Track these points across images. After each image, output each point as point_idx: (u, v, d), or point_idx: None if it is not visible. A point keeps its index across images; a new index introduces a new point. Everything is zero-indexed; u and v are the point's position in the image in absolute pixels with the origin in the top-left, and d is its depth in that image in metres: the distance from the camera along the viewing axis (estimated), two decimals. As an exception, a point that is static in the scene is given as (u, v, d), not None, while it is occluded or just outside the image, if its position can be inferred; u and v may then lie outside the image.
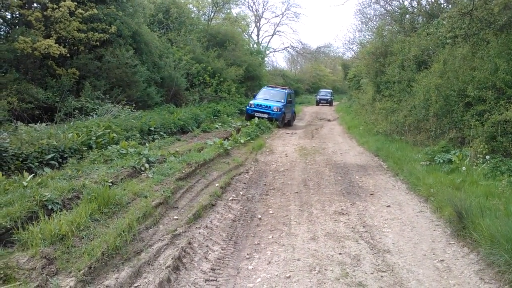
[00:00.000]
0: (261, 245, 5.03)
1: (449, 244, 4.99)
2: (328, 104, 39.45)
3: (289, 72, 56.82)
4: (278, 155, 11.33)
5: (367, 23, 23.37)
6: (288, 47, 55.54)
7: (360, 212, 6.27)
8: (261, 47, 45.60)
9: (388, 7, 20.49)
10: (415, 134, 11.27)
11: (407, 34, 16.03)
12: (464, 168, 7.57)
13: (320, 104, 39.83)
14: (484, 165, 7.39)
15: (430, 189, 6.74)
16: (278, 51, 63.04)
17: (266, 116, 17.71)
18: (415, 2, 18.97)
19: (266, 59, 45.22)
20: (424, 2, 18.34)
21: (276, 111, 18.13)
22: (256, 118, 17.42)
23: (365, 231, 5.43)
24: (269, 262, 4.51)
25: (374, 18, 22.23)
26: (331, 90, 44.72)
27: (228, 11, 37.77)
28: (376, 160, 10.56)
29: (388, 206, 6.55)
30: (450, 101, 9.65)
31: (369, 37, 22.74)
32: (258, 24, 52.50)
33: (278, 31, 54.14)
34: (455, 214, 5.27)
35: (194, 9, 32.32)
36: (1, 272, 3.39)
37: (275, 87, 21.20)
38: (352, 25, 49.85)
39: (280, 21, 53.18)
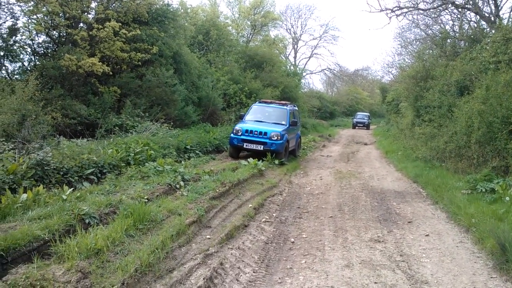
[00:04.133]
0: (293, 269, 4.93)
1: (491, 277, 4.72)
2: (365, 128, 38.91)
3: (326, 94, 56.64)
4: (313, 178, 11.20)
5: (406, 47, 23.12)
6: (325, 69, 55.45)
7: (397, 240, 6.05)
8: (298, 69, 45.81)
9: (429, 31, 20.20)
10: (456, 161, 10.87)
11: (449, 58, 15.70)
12: (507, 198, 7.19)
13: (356, 127, 39.37)
14: (530, 196, 7.01)
15: (471, 219, 6.44)
16: (315, 73, 63.07)
17: (261, 148, 12.11)
18: (456, 27, 18.64)
19: (302, 81, 45.33)
20: (466, 27, 17.99)
21: (276, 140, 12.19)
22: (245, 152, 12.85)
23: (402, 260, 5.22)
24: (301, 288, 4.40)
25: (414, 42, 21.95)
26: (368, 113, 44.18)
27: (266, 33, 38.35)
28: (415, 186, 10.24)
29: (427, 235, 6.29)
30: (493, 128, 9.29)
31: (409, 61, 22.44)
32: (295, 46, 52.94)
33: (315, 54, 54.17)
34: (497, 246, 5.00)
35: (233, 31, 33.01)
36: (38, 283, 3.46)
37: (271, 103, 14.82)
38: (391, 49, 49.37)
39: (317, 44, 53.09)
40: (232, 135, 12.53)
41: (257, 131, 12.27)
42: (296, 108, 16.00)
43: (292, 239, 6.07)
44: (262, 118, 13.56)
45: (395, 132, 22.06)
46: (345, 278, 4.61)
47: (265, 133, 12.25)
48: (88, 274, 3.75)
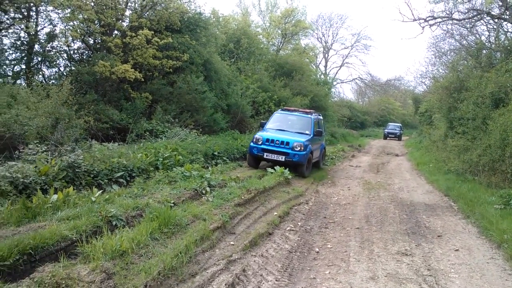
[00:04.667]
0: (317, 279, 4.85)
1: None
2: (397, 139, 38.14)
3: (356, 104, 56.00)
4: (340, 188, 11.05)
5: (440, 57, 22.58)
6: (356, 78, 54.93)
7: (425, 254, 5.87)
8: (328, 78, 45.58)
9: (464, 42, 19.69)
10: (489, 175, 10.49)
11: (484, 69, 15.23)
12: (543, 215, 6.89)
13: (388, 138, 38.66)
14: None
15: (503, 235, 6.19)
16: (345, 82, 62.55)
17: (282, 159, 11.24)
18: (492, 37, 18.10)
19: (332, 90, 45.04)
20: (502, 38, 17.44)
21: (299, 151, 11.27)
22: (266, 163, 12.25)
23: (430, 275, 5.05)
24: (324, 299, 4.32)
25: (449, 52, 21.43)
26: (400, 124, 43.30)
27: (297, 42, 38.33)
28: (446, 200, 9.93)
29: (456, 250, 6.08)
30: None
31: (443, 71, 21.91)
32: (326, 55, 52.75)
33: (346, 63, 53.79)
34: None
35: (264, 40, 33.18)
36: (63, 282, 3.53)
37: (295, 111, 13.93)
38: (424, 59, 48.34)
39: (349, 53, 52.73)
40: (251, 144, 11.76)
41: (278, 141, 11.44)
42: (321, 117, 14.81)
43: (317, 249, 5.99)
44: (285, 126, 12.72)
45: (427, 143, 21.54)
46: (369, 291, 4.50)
47: (287, 143, 11.36)
48: (112, 275, 3.81)
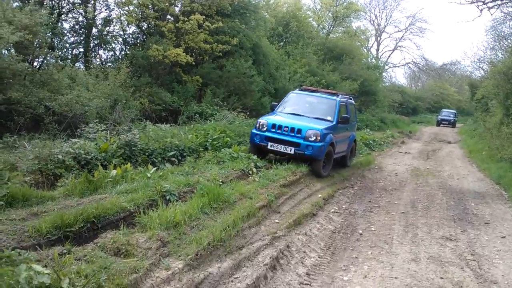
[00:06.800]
0: (358, 259, 5.00)
1: None
2: (451, 126, 36.66)
3: (409, 89, 54.14)
4: (387, 173, 10.97)
5: (500, 41, 21.36)
6: (409, 62, 52.89)
7: (470, 240, 5.84)
8: (379, 62, 44.32)
9: (527, 24, 18.54)
10: (545, 164, 10.04)
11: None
12: None
13: (441, 125, 37.26)
14: None
15: (555, 226, 6.01)
16: (398, 66, 60.30)
17: (291, 151, 8.59)
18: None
19: (384, 74, 43.81)
20: None
21: (314, 141, 8.51)
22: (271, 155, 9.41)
23: (473, 260, 5.06)
24: (365, 276, 4.47)
25: (509, 35, 20.24)
26: (454, 111, 41.47)
27: (348, 24, 37.48)
28: (497, 188, 9.64)
29: (503, 237, 5.99)
30: None
31: (502, 56, 20.76)
32: (378, 38, 51.10)
33: (399, 46, 51.80)
34: None
35: (314, 22, 32.74)
36: (123, 247, 3.90)
37: (316, 91, 10.82)
38: (483, 43, 45.68)
39: (402, 36, 50.65)
40: (254, 130, 9.15)
41: (288, 127, 8.71)
42: (352, 100, 11.57)
43: (360, 231, 6.10)
44: (301, 110, 9.85)
45: (482, 131, 20.65)
46: (410, 271, 4.60)
47: (299, 131, 8.61)
48: (166, 243, 4.14)
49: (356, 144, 11.97)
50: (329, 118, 9.48)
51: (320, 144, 8.52)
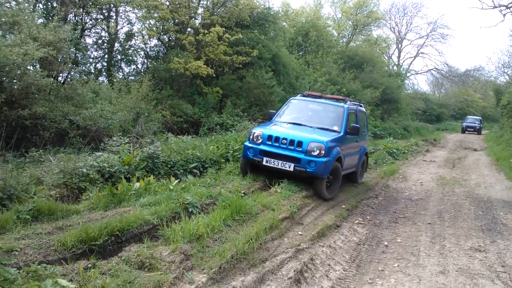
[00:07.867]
0: (385, 272, 4.87)
1: None
2: (476, 133, 35.89)
3: (432, 96, 53.28)
4: (412, 183, 10.75)
5: (526, 45, 20.78)
6: (432, 69, 52.07)
7: (500, 251, 5.63)
8: (401, 69, 43.80)
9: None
10: None
11: None
12: None
13: (466, 132, 36.52)
14: None
15: None
16: (420, 73, 59.31)
17: (290, 168, 7.25)
18: None
19: (406, 81, 43.22)
20: None
21: (318, 156, 7.21)
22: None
23: (504, 271, 4.87)
24: (392, 290, 4.34)
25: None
26: (480, 118, 40.59)
27: (369, 32, 37.27)
28: (528, 197, 9.32)
29: (536, 249, 5.76)
30: None
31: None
32: (399, 45, 50.56)
33: (421, 53, 51.08)
34: None
35: (334, 31, 32.66)
36: (147, 261, 3.90)
37: (321, 97, 9.37)
38: (507, 47, 44.60)
39: (424, 43, 49.93)
40: (247, 143, 7.83)
41: (286, 139, 7.42)
42: (363, 108, 10.11)
43: (386, 243, 5.96)
44: (303, 119, 8.55)
45: (509, 137, 20.08)
46: (438, 284, 4.45)
47: (299, 143, 7.35)
48: (190, 256, 4.12)
49: (367, 157, 10.69)
50: (335, 128, 8.21)
51: (324, 159, 7.22)
